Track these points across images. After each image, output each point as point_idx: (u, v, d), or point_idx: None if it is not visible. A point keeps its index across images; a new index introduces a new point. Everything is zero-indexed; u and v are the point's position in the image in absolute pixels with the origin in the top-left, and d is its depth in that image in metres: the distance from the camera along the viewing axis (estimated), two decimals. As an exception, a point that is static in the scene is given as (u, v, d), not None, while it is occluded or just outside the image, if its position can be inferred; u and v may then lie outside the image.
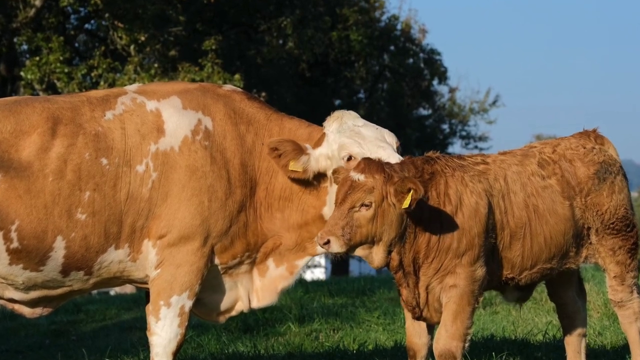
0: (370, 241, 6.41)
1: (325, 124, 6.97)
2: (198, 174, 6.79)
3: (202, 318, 7.22)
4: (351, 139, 6.82)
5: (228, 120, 6.95)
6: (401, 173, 6.45)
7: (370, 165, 6.41)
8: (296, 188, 6.96)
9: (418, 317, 6.70)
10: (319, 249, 6.99)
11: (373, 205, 6.33)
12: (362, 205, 6.33)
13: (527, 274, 6.85)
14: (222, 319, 7.17)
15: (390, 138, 6.88)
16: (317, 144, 6.94)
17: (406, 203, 6.31)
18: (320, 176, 6.95)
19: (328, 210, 6.92)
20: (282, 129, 7.03)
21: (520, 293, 7.07)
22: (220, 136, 6.90)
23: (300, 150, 6.87)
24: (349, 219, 6.33)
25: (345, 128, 6.88)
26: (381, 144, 6.78)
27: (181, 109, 6.91)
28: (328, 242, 6.30)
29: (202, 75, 24.03)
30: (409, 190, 6.29)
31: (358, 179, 6.36)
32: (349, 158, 6.79)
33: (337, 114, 6.97)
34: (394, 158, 6.65)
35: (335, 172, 6.64)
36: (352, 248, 6.38)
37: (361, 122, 6.94)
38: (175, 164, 6.78)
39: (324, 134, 6.95)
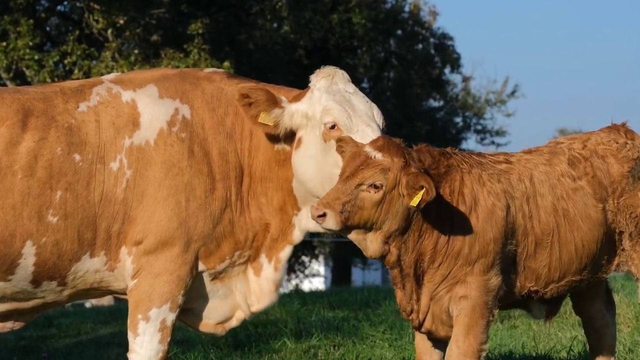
0: (368, 227, 6.40)
1: (313, 77, 6.90)
2: (174, 170, 6.77)
3: (197, 330, 7.19)
4: (340, 105, 6.77)
5: (206, 106, 6.94)
6: (418, 163, 6.45)
7: (391, 145, 6.40)
8: (273, 163, 6.92)
9: (418, 328, 6.68)
10: (297, 236, 6.98)
11: (383, 189, 6.33)
12: (372, 185, 6.32)
13: (554, 287, 6.83)
14: (221, 329, 7.15)
15: (379, 117, 6.84)
16: (297, 98, 6.89)
17: (415, 201, 6.30)
18: (292, 139, 6.88)
19: (295, 183, 6.88)
20: None
21: (548, 307, 7.06)
22: (198, 126, 6.89)
23: (274, 102, 6.81)
24: (353, 197, 6.30)
25: (334, 90, 6.83)
26: (371, 123, 6.74)
27: (157, 98, 6.91)
28: (324, 215, 6.25)
29: (188, 62, 24.05)
30: (420, 188, 6.30)
31: (375, 156, 6.35)
32: (333, 126, 6.73)
33: (327, 70, 6.89)
34: None
35: (340, 140, 6.55)
36: (347, 229, 6.34)
37: (352, 88, 6.88)
38: (151, 160, 6.77)
39: (307, 89, 6.90)
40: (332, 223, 6.27)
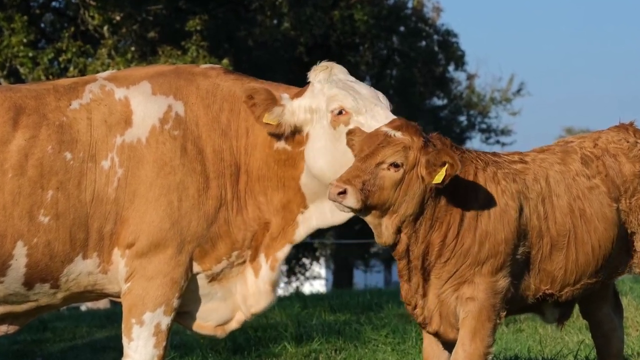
0: (385, 209, 6.35)
1: (310, 74, 6.88)
2: (166, 169, 6.74)
3: (196, 333, 7.18)
4: (345, 90, 6.75)
5: (201, 102, 6.91)
6: (434, 147, 6.42)
7: (409, 125, 6.38)
8: (271, 161, 6.89)
9: (422, 324, 6.63)
10: (299, 235, 6.95)
11: (403, 168, 6.30)
12: (392, 164, 6.30)
13: (569, 290, 6.80)
14: (221, 332, 7.11)
15: (385, 100, 6.83)
16: (298, 94, 6.86)
17: (439, 178, 6.27)
18: (295, 137, 6.85)
19: (305, 179, 6.86)
20: None
21: (561, 310, 7.03)
22: (192, 123, 6.86)
23: (273, 101, 6.79)
24: (373, 175, 6.27)
25: (335, 79, 6.82)
26: (377, 102, 6.73)
27: (150, 95, 6.89)
28: (344, 192, 6.19)
29: (186, 59, 24.03)
30: (443, 164, 6.27)
31: (394, 135, 6.33)
32: (340, 112, 6.70)
33: (324, 64, 6.89)
34: (392, 117, 6.60)
35: (350, 132, 6.53)
36: (365, 209, 6.29)
37: (352, 78, 6.89)
38: (142, 159, 6.75)
39: (307, 84, 6.88)
40: (352, 201, 6.21)
